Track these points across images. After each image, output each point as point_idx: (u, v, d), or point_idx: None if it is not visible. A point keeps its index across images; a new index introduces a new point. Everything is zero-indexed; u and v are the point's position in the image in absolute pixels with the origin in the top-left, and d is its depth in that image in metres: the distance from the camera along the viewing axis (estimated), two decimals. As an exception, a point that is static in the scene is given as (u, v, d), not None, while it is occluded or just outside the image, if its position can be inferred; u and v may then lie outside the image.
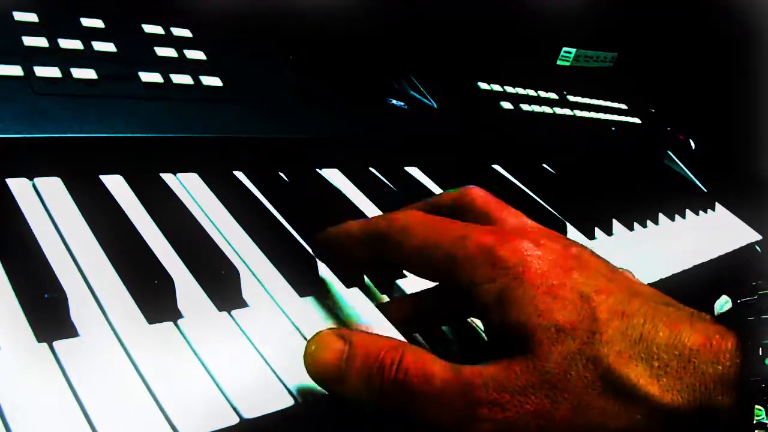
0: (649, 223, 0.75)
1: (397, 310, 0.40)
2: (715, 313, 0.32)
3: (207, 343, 0.34)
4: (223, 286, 0.38)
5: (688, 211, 0.84)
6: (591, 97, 0.97)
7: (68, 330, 0.32)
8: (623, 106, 1.04)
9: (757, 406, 0.27)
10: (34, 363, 0.30)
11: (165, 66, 0.51)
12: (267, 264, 0.42)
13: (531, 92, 0.86)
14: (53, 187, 0.42)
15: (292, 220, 0.48)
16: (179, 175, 0.49)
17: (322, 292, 0.41)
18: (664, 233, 0.76)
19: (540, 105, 0.85)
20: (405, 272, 0.46)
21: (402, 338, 0.37)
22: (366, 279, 0.44)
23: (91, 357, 0.31)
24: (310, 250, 0.43)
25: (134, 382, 0.30)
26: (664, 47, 1.06)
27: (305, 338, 0.36)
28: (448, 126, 0.70)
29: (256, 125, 0.53)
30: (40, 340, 0.31)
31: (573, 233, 0.64)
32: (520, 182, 0.72)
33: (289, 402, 0.32)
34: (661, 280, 0.61)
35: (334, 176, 0.58)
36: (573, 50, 1.03)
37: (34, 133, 0.42)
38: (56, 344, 0.31)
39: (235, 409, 0.31)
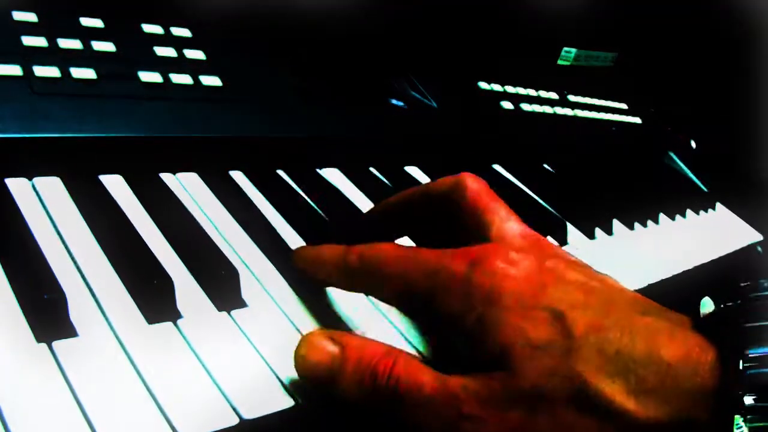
0: (649, 222, 0.75)
1: None
2: (700, 314, 0.32)
3: (206, 344, 0.34)
4: (222, 286, 0.38)
5: (688, 211, 0.84)
6: (591, 97, 0.97)
7: (67, 330, 0.32)
8: (623, 106, 1.04)
9: (737, 419, 0.27)
10: (34, 363, 0.30)
11: (164, 66, 0.51)
12: (267, 264, 0.42)
13: (531, 92, 0.86)
14: (52, 187, 0.42)
15: (291, 220, 0.48)
16: (179, 175, 0.49)
17: (321, 292, 0.41)
18: (664, 233, 0.75)
19: (540, 105, 0.85)
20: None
21: (399, 338, 0.37)
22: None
23: (90, 357, 0.31)
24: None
25: (134, 382, 0.30)
26: (664, 47, 1.06)
27: (305, 338, 0.36)
28: (448, 126, 0.70)
29: (256, 125, 0.53)
30: (39, 340, 0.31)
31: (573, 233, 0.64)
32: (520, 182, 0.72)
33: (288, 402, 0.32)
34: (661, 280, 0.61)
35: (333, 176, 0.58)
36: (573, 50, 1.03)
37: (33, 133, 0.42)
38: (55, 344, 0.31)
39: (234, 409, 0.31)
